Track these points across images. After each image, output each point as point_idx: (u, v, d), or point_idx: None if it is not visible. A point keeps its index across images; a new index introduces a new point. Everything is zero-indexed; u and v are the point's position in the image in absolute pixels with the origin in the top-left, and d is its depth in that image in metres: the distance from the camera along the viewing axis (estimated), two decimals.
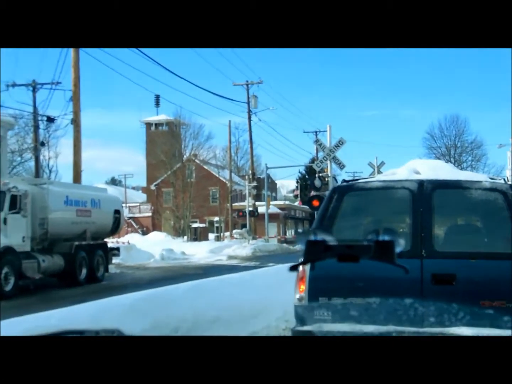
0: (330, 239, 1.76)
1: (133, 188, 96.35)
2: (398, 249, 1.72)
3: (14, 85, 34.65)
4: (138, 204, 74.34)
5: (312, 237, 1.77)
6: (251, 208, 51.75)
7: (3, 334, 1.96)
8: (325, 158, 26.39)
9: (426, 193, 6.01)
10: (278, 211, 66.26)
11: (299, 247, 1.83)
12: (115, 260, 25.37)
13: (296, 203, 75.18)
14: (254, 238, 48.79)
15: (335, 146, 26.13)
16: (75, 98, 26.97)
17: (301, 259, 1.88)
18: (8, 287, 17.28)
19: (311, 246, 1.76)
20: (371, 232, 1.74)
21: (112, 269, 24.56)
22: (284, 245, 50.13)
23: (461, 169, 53.86)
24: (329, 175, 26.55)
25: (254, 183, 53.44)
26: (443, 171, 6.53)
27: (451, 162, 60.00)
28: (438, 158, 58.97)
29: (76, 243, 20.81)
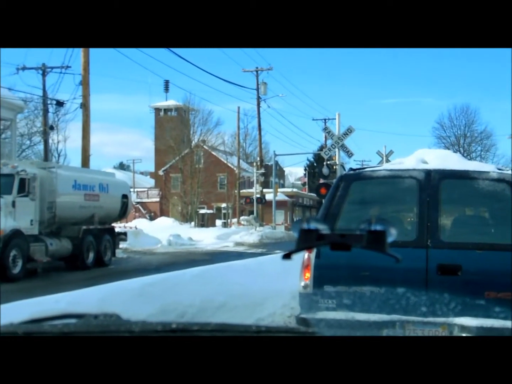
0: (324, 228, 1.78)
1: (141, 173, 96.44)
2: (390, 239, 1.74)
3: (24, 68, 34.65)
4: (146, 189, 74.44)
5: (305, 225, 1.79)
6: (258, 195, 51.71)
7: (11, 317, 1.97)
8: (333, 146, 26.32)
9: (433, 183, 6.00)
10: (286, 198, 66.18)
11: (293, 235, 1.85)
12: (122, 244, 25.46)
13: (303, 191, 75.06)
14: (261, 225, 48.76)
15: (344, 134, 26.04)
16: (85, 82, 26.95)
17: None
18: (16, 270, 17.39)
19: (304, 234, 1.79)
20: (364, 221, 1.77)
21: (119, 253, 24.67)
22: (291, 232, 50.02)
23: (470, 159, 53.65)
24: (337, 163, 26.48)
25: (262, 170, 53.35)
26: (451, 161, 6.51)
27: (460, 152, 59.78)
28: (448, 148, 58.75)
29: (84, 227, 20.89)
